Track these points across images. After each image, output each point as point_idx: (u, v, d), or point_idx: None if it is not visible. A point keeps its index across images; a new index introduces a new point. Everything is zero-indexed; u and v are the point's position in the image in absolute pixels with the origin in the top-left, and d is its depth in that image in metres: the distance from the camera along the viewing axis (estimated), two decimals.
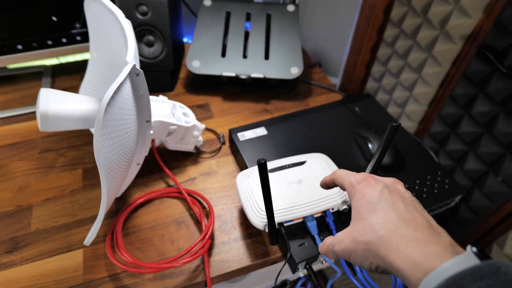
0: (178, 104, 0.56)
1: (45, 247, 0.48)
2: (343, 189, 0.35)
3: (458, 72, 0.76)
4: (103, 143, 0.34)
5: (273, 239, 0.43)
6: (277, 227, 0.45)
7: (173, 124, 0.52)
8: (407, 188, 0.53)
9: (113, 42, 0.50)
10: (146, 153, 0.50)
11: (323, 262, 0.47)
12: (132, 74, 0.38)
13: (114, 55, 0.51)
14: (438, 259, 0.25)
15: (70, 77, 0.76)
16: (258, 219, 0.45)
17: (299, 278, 0.49)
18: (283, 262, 0.47)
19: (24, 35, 0.62)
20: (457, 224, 0.79)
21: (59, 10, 0.62)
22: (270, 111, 0.71)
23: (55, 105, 0.43)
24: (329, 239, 0.33)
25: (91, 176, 0.57)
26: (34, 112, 0.68)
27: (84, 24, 0.65)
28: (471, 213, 0.76)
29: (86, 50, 0.69)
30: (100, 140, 0.33)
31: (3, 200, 0.54)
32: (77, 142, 0.63)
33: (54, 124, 0.44)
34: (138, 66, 0.46)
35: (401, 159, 0.57)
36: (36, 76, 0.76)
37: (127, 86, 0.38)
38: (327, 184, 0.38)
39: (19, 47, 0.63)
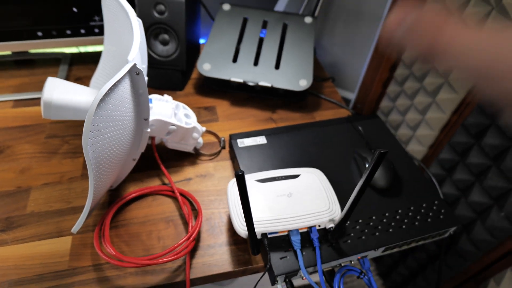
0: (181, 104, 0.57)
1: (37, 230, 0.50)
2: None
3: (473, 101, 0.74)
4: (93, 138, 0.35)
5: (253, 250, 0.43)
6: (260, 237, 0.45)
7: (173, 125, 0.52)
8: (400, 214, 0.52)
9: (125, 38, 0.51)
10: (143, 150, 0.51)
11: (303, 278, 0.47)
12: (132, 72, 0.39)
13: (125, 51, 0.53)
14: None
15: (86, 66, 0.79)
16: (242, 228, 0.45)
17: None
18: (262, 273, 0.47)
19: (44, 23, 0.65)
20: (456, 255, 0.77)
21: (80, 2, 0.64)
22: (275, 120, 0.71)
23: (59, 94, 0.45)
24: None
25: None
26: None
27: (102, 18, 0.67)
28: (471, 246, 0.74)
29: (102, 42, 0.71)
30: (90, 135, 0.34)
31: (5, 180, 0.56)
32: (82, 131, 0.64)
33: (56, 112, 0.46)
34: (144, 64, 0.47)
35: (399, 184, 0.56)
36: (55, 63, 0.79)
37: (126, 84, 0.39)
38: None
39: (39, 33, 0.66)
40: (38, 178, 0.56)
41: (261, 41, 0.72)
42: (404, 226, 0.50)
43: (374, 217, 0.51)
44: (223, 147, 0.63)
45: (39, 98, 0.70)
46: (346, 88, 1.20)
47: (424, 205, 0.53)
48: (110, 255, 0.45)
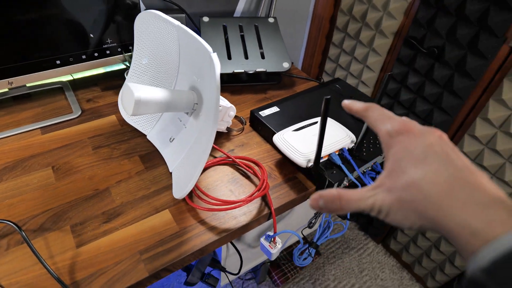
0: None
1: (136, 213, 0.59)
2: (373, 129, 0.32)
3: (393, 58, 1.05)
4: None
5: (316, 167, 0.61)
6: (310, 165, 0.64)
7: (220, 106, 0.67)
8: None
9: (168, 50, 0.64)
10: None
11: (346, 184, 0.67)
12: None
13: (168, 58, 0.66)
14: (502, 226, 0.21)
15: (89, 89, 0.85)
16: (302, 159, 0.63)
17: None
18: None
19: (64, 51, 0.72)
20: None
21: (97, 27, 0.73)
22: (269, 98, 0.89)
23: (144, 93, 0.56)
24: (346, 195, 0.28)
25: (147, 159, 0.69)
26: (71, 120, 0.76)
27: (113, 40, 0.76)
28: None
29: (113, 62, 0.80)
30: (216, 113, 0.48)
31: (80, 187, 0.62)
32: (123, 137, 0.73)
33: (144, 108, 0.57)
34: None
35: None
36: (54, 92, 0.83)
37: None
38: (352, 110, 0.34)
39: (58, 62, 0.72)
40: (109, 179, 0.64)
41: (243, 40, 0.90)
42: None
43: (371, 137, 0.74)
44: (245, 123, 0.80)
45: (63, 122, 0.75)
46: None
47: None
48: (212, 206, 0.58)
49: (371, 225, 1.41)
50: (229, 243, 0.79)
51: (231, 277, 0.92)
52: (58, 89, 0.84)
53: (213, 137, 0.52)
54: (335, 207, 0.29)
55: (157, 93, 0.58)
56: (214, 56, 0.52)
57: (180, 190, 0.59)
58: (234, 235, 0.59)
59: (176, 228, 0.57)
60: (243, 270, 0.93)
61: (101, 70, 0.93)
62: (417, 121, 1.02)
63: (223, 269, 0.88)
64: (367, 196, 0.28)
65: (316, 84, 0.95)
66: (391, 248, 1.38)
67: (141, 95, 0.56)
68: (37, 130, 0.73)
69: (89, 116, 0.78)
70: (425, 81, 0.97)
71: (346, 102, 0.36)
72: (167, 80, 0.70)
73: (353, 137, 0.68)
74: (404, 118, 0.30)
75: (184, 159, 0.63)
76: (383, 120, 0.30)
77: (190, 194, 0.62)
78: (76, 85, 0.87)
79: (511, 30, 0.78)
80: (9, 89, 0.79)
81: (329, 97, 0.48)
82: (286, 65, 0.87)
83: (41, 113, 0.77)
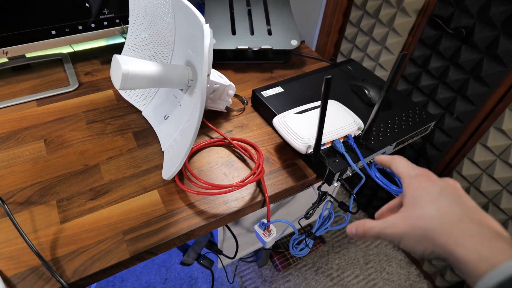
0: (213, 69, 0.67)
1: (124, 192, 0.57)
2: (397, 174, 0.37)
3: (415, 39, 0.97)
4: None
5: (316, 155, 0.57)
6: (310, 151, 0.59)
7: (217, 83, 0.63)
8: (398, 119, 0.70)
9: (163, 22, 0.60)
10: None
11: (350, 174, 0.62)
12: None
13: (164, 31, 0.62)
14: (505, 255, 0.25)
15: (89, 62, 0.83)
16: (301, 144, 0.58)
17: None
18: (316, 184, 0.61)
19: (59, 21, 0.69)
20: (435, 150, 0.99)
21: None
22: (275, 78, 0.84)
23: (133, 66, 0.53)
24: (369, 222, 0.33)
25: (141, 137, 0.66)
26: (68, 92, 0.74)
27: (111, 10, 0.73)
28: (444, 137, 0.96)
29: (112, 34, 0.77)
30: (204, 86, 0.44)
31: (70, 162, 0.61)
32: (118, 113, 0.71)
33: (132, 82, 0.53)
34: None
35: (389, 101, 0.74)
36: (53, 64, 0.81)
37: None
38: (383, 164, 0.41)
39: (53, 32, 0.70)
40: (100, 155, 0.62)
41: (249, 15, 0.85)
42: (404, 126, 0.68)
43: (382, 125, 0.68)
44: (246, 103, 0.75)
45: (60, 94, 0.73)
46: None
47: (410, 111, 0.72)
48: (202, 190, 0.55)
49: None
50: (225, 227, 0.76)
51: (228, 260, 0.91)
52: (58, 61, 0.82)
53: (200, 117, 0.48)
54: (361, 233, 0.35)
55: (147, 67, 0.54)
56: (206, 28, 0.47)
57: (168, 171, 0.56)
58: (224, 221, 0.56)
59: (163, 210, 0.55)
60: (240, 255, 0.91)
61: (102, 43, 0.90)
62: (438, 110, 0.94)
63: (220, 252, 0.86)
64: (381, 225, 0.32)
65: (327, 64, 0.88)
66: None
67: (129, 69, 0.52)
68: (33, 102, 0.71)
69: (86, 89, 0.76)
70: (449, 65, 0.89)
71: (377, 159, 0.43)
72: (163, 55, 0.66)
73: (361, 124, 0.63)
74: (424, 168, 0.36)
75: (176, 138, 0.60)
76: (408, 167, 0.36)
77: (181, 176, 0.59)
78: (76, 57, 0.84)
79: None
80: (8, 59, 0.77)
81: (329, 76, 0.43)
82: (294, 43, 0.81)
83: (38, 84, 0.75)
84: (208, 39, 0.45)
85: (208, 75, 0.56)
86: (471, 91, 0.85)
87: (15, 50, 0.69)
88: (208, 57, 0.50)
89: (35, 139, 0.64)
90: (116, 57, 0.53)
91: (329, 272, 1.26)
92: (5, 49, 0.68)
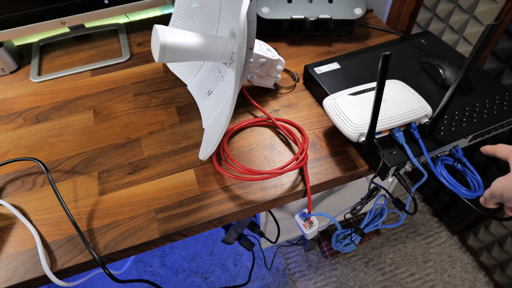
0: (261, 41, 0.61)
1: (161, 168, 0.56)
2: (504, 158, 0.43)
3: None
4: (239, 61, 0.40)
5: (369, 145, 0.49)
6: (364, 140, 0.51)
7: (263, 57, 0.57)
8: (478, 106, 0.57)
9: None
10: (244, 82, 0.56)
11: (409, 169, 0.53)
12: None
13: (211, 2, 0.57)
14: None
15: (143, 32, 0.82)
16: (352, 131, 0.50)
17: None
18: (369, 176, 0.53)
19: None
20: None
21: None
22: (333, 52, 0.75)
23: (172, 37, 0.49)
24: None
25: (184, 112, 0.64)
26: (120, 63, 0.74)
27: None
28: None
29: (163, 4, 0.75)
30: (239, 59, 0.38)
31: (114, 134, 0.61)
32: (164, 86, 0.69)
33: (170, 55, 0.50)
34: None
35: (469, 84, 0.61)
36: (111, 34, 0.82)
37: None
38: (487, 153, 0.46)
39: (106, 1, 0.69)
40: (142, 129, 0.62)
41: None
42: (485, 116, 0.56)
43: (457, 112, 0.57)
44: (298, 80, 0.68)
45: (112, 65, 0.74)
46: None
47: (496, 96, 0.59)
48: (238, 174, 0.51)
49: (448, 213, 1.21)
50: (266, 211, 0.73)
51: (269, 244, 0.88)
52: (114, 31, 0.83)
53: (235, 95, 0.43)
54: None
55: (187, 39, 0.51)
56: None
57: (204, 150, 0.53)
58: (260, 208, 0.52)
59: (197, 191, 0.53)
60: (282, 239, 0.87)
61: (158, 13, 0.89)
62: None
63: (262, 234, 0.84)
64: (492, 187, 0.42)
65: (397, 37, 0.76)
66: (469, 244, 1.17)
67: (168, 40, 0.49)
68: (88, 72, 0.73)
69: (136, 60, 0.75)
70: None
71: (488, 149, 0.46)
72: (210, 25, 0.61)
73: (429, 110, 0.53)
74: None
75: (217, 116, 0.57)
76: None
77: (219, 157, 0.56)
78: (132, 27, 0.84)
79: None
80: (70, 29, 0.80)
81: (388, 53, 0.35)
82: (358, 11, 0.71)
83: (94, 55, 0.77)
84: (246, 6, 0.39)
85: (251, 48, 0.51)
86: None
87: (71, 20, 0.70)
88: (247, 26, 0.44)
89: (85, 109, 0.66)
90: (156, 27, 0.50)
91: (381, 266, 1.17)
92: (63, 19, 0.69)
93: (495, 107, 0.57)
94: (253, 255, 0.83)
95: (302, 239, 1.23)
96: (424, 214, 1.29)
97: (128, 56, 0.75)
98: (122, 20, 0.85)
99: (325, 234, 1.23)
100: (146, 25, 0.85)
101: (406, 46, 0.70)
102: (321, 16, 0.70)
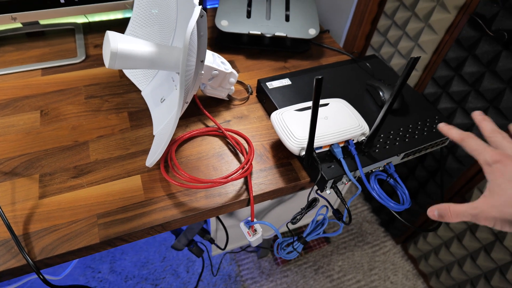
0: (216, 54, 0.63)
1: (107, 173, 0.56)
2: (472, 155, 0.40)
3: (452, 38, 0.86)
4: (184, 74, 0.41)
5: (308, 160, 0.52)
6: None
7: (216, 69, 0.59)
8: (411, 127, 0.63)
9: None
10: (195, 92, 0.57)
11: (346, 183, 0.57)
12: (199, 16, 0.45)
13: (169, 9, 0.58)
14: None
15: (101, 34, 0.82)
16: (295, 145, 0.53)
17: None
18: (310, 188, 0.56)
19: None
20: (446, 174, 0.91)
21: None
22: (288, 68, 0.79)
23: (123, 45, 0.50)
24: (454, 207, 0.38)
25: (136, 118, 0.64)
26: (73, 64, 0.73)
27: None
28: (457, 163, 0.88)
29: (122, 8, 0.75)
30: (184, 72, 0.40)
31: (61, 136, 0.60)
32: (118, 90, 0.69)
33: (121, 62, 0.51)
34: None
35: (406, 105, 0.67)
36: (66, 33, 0.81)
37: (195, 27, 0.45)
38: (453, 139, 0.42)
39: (62, 1, 0.68)
40: (91, 132, 0.61)
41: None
42: (416, 136, 0.61)
43: (392, 132, 0.62)
44: (251, 93, 0.71)
45: (65, 65, 0.73)
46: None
47: (428, 119, 0.65)
48: (183, 181, 0.52)
49: (393, 224, 1.29)
50: (216, 218, 0.74)
51: (219, 251, 0.89)
52: (71, 31, 0.81)
53: (180, 106, 0.45)
54: (446, 215, 0.39)
55: (139, 47, 0.52)
56: (196, 9, 0.43)
57: (151, 157, 0.54)
58: (203, 216, 0.54)
59: (142, 197, 0.53)
60: (231, 247, 0.89)
61: (119, 15, 0.88)
62: (466, 119, 0.85)
63: (212, 241, 0.85)
64: (471, 211, 0.37)
65: (348, 58, 0.81)
66: (410, 253, 1.25)
67: (119, 47, 0.50)
68: (38, 70, 0.71)
69: (92, 62, 0.74)
70: (486, 72, 0.79)
71: (443, 127, 0.44)
72: (166, 35, 0.63)
73: (366, 129, 0.57)
74: (498, 148, 0.39)
75: (167, 123, 0.58)
76: (481, 151, 0.39)
77: (167, 164, 0.57)
78: (91, 28, 0.83)
79: None
80: (22, 24, 0.78)
81: (320, 77, 0.38)
82: (312, 31, 0.75)
83: (47, 53, 0.75)
84: (193, 22, 0.41)
85: (202, 61, 0.53)
86: (506, 103, 0.76)
87: (23, 16, 0.68)
88: (198, 41, 0.46)
89: (32, 109, 0.64)
90: (108, 33, 0.50)
91: (330, 273, 1.22)
92: (14, 14, 0.67)
93: (425, 129, 0.63)
94: (203, 261, 0.84)
95: (255, 246, 1.25)
96: (372, 224, 1.36)
97: (83, 57, 0.75)
98: (80, 20, 0.84)
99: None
100: (106, 27, 0.84)
101: (355, 68, 0.75)
102: (277, 33, 0.74)
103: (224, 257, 1.22)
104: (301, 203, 0.84)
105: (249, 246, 1.26)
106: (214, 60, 0.61)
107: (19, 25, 0.78)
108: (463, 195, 0.94)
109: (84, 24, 0.83)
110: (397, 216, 0.56)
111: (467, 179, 0.91)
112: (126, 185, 0.54)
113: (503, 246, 0.88)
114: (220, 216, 0.74)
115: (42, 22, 0.80)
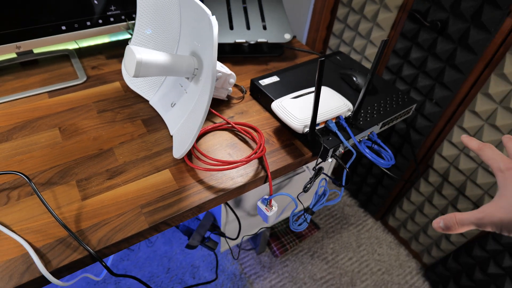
0: None
1: (138, 172, 0.62)
2: (487, 164, 0.42)
3: (397, 33, 1.04)
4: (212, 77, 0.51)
5: (312, 133, 0.63)
6: (307, 130, 0.65)
7: (220, 71, 0.69)
8: (383, 103, 0.77)
9: (169, 17, 0.66)
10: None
11: (342, 151, 0.69)
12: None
13: (170, 25, 0.67)
14: None
15: (94, 57, 0.88)
16: (298, 124, 0.64)
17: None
18: (312, 160, 0.67)
19: (69, 17, 0.73)
20: (417, 134, 1.07)
21: None
22: (270, 69, 0.91)
23: (146, 55, 0.58)
24: (460, 215, 0.38)
25: (150, 123, 0.71)
26: (77, 85, 0.78)
27: (117, 7, 0.78)
28: (425, 121, 1.04)
29: (117, 30, 0.82)
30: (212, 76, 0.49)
31: (85, 147, 0.65)
32: (126, 102, 0.76)
33: (145, 70, 0.59)
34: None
35: (375, 88, 0.81)
36: (59, 60, 0.85)
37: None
38: (472, 148, 0.44)
39: (63, 27, 0.74)
40: (112, 140, 0.67)
41: (245, 12, 0.91)
42: (388, 109, 0.75)
43: (369, 108, 0.75)
44: (245, 92, 0.81)
45: (70, 87, 0.78)
46: None
47: (394, 96, 0.79)
48: (210, 166, 0.61)
49: (371, 202, 1.43)
50: (228, 208, 0.82)
51: (231, 243, 0.96)
52: (64, 57, 0.86)
53: (210, 97, 0.54)
54: (452, 225, 0.38)
55: (158, 56, 0.60)
56: (213, 19, 0.53)
57: (179, 150, 0.61)
58: (231, 195, 0.62)
59: (175, 186, 0.60)
60: (241, 236, 0.96)
61: (106, 40, 0.95)
62: (419, 96, 1.02)
63: (223, 234, 0.92)
64: (477, 215, 0.36)
65: (317, 56, 0.95)
66: (390, 225, 1.40)
67: (143, 57, 0.58)
68: (45, 94, 0.76)
69: (94, 82, 0.80)
70: (428, 56, 0.97)
71: (465, 138, 0.46)
72: (169, 47, 0.71)
73: (350, 106, 0.70)
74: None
75: (184, 122, 0.66)
76: (496, 159, 0.40)
77: (190, 156, 0.64)
78: (82, 53, 0.89)
79: None
80: (17, 54, 0.81)
81: (323, 58, 0.50)
82: (287, 36, 0.88)
83: (48, 78, 0.80)
84: (216, 29, 0.51)
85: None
86: (448, 78, 0.93)
87: (27, 44, 0.73)
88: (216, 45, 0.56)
89: (49, 127, 0.68)
90: (130, 47, 0.58)
91: (324, 256, 1.32)
92: (18, 43, 0.72)
93: (393, 103, 0.77)
94: (216, 256, 0.90)
95: (252, 242, 1.33)
96: (352, 207, 1.50)
97: (85, 78, 0.80)
98: (71, 46, 0.89)
99: (273, 236, 1.34)
100: (96, 51, 0.90)
101: (327, 63, 0.88)
102: (259, 40, 0.85)
103: (226, 257, 1.28)
104: (296, 186, 0.94)
105: (247, 244, 1.33)
106: (217, 64, 0.71)
107: (14, 55, 0.81)
108: (434, 151, 1.08)
109: (75, 50, 0.89)
110: (387, 171, 0.69)
111: (436, 134, 1.06)
112: (159, 179, 0.61)
113: (466, 198, 1.05)
114: (232, 206, 0.82)
115: (35, 51, 0.84)
